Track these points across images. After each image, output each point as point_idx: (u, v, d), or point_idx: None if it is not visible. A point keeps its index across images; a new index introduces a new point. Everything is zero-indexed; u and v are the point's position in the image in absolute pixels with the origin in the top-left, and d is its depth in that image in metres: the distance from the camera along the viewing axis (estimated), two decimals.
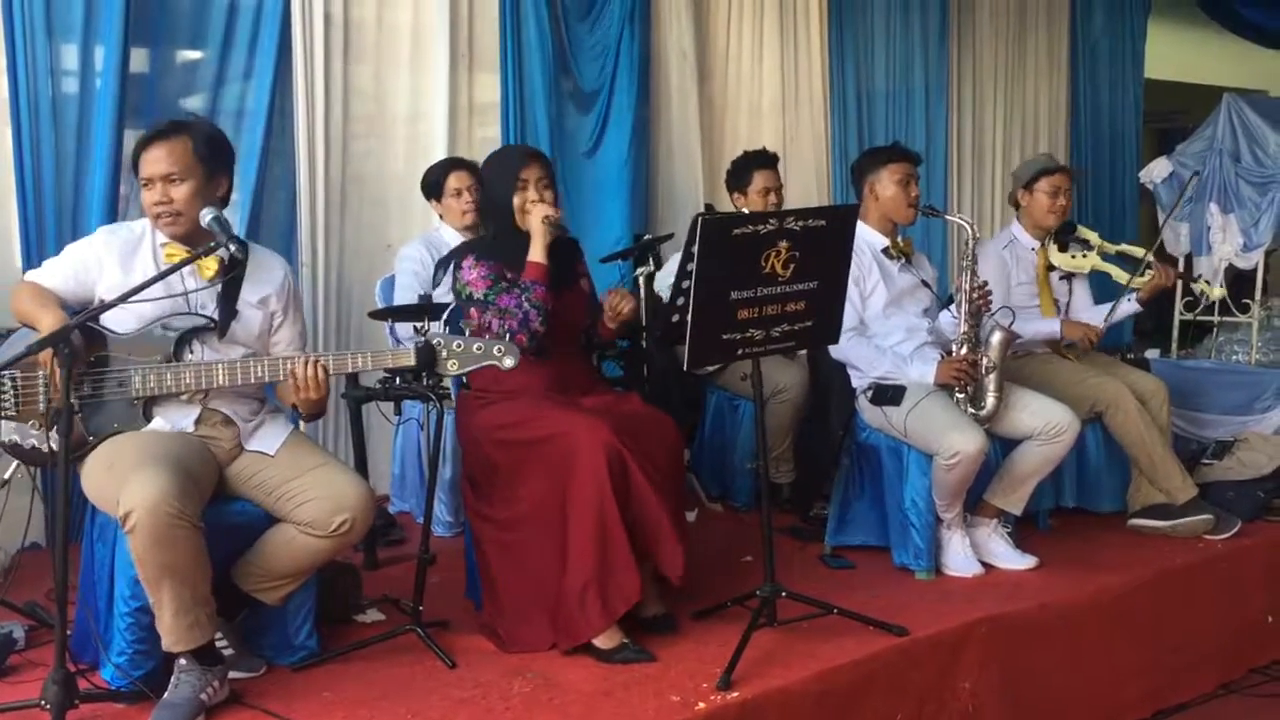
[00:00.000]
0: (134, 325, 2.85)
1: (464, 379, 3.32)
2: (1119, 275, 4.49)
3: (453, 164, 4.44)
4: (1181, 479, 4.26)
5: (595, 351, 3.50)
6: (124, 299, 2.68)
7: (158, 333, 2.86)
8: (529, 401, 3.23)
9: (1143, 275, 4.40)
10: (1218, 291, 5.48)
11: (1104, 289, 4.67)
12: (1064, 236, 4.56)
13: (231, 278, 2.91)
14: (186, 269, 2.87)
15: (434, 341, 2.87)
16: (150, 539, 2.57)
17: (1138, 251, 4.55)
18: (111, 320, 2.82)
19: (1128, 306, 4.50)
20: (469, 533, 3.43)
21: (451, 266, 3.32)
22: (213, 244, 2.81)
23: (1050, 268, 4.51)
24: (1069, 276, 4.55)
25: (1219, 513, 4.23)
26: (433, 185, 4.42)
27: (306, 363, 2.82)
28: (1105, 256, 4.53)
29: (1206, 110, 6.31)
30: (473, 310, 3.26)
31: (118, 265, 2.90)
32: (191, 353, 2.89)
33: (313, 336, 4.55)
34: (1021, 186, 4.55)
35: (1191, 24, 8.11)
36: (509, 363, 2.88)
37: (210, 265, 2.90)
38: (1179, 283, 5.20)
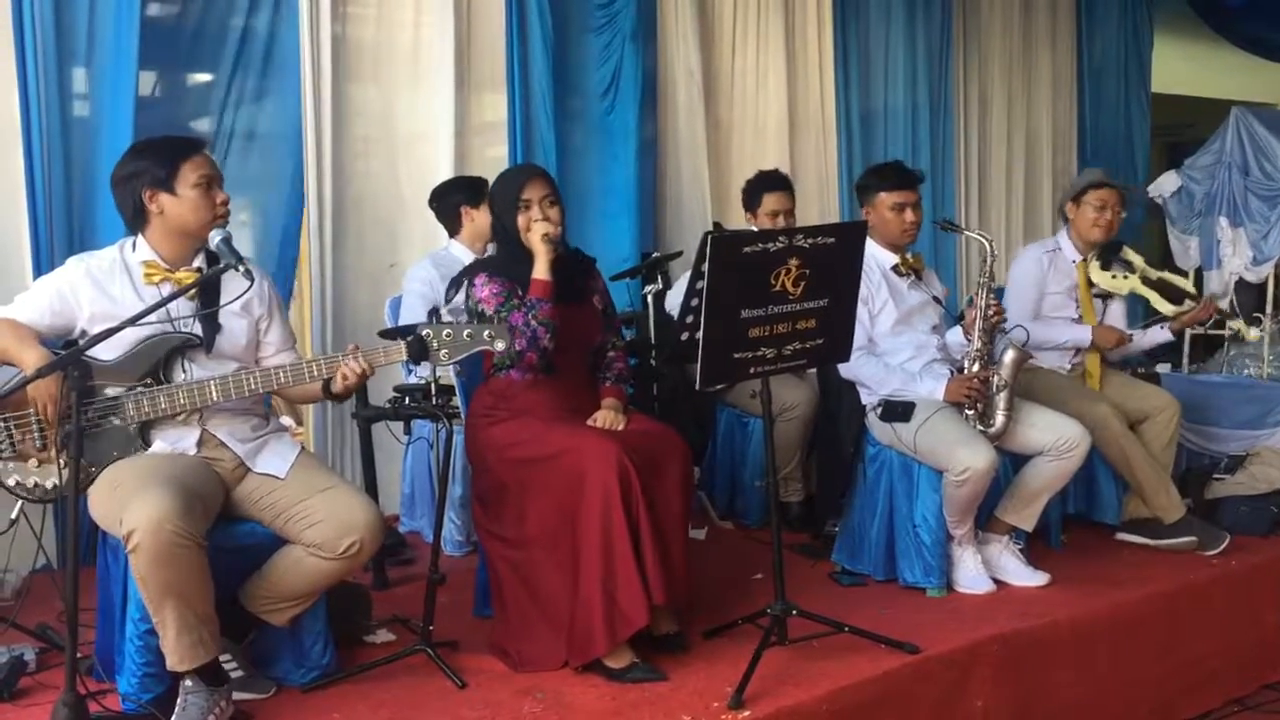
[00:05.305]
0: (116, 352, 2.84)
1: (457, 366, 3.28)
2: (1157, 302, 4.54)
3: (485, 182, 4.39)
4: (1170, 498, 4.25)
5: (603, 370, 3.49)
6: (132, 322, 2.68)
7: (143, 356, 2.85)
8: (537, 419, 3.23)
9: (1182, 306, 4.46)
10: (1254, 334, 5.48)
11: (1137, 313, 4.69)
12: (1108, 255, 4.58)
13: (209, 293, 2.93)
14: (166, 290, 2.86)
15: (423, 333, 2.88)
16: (152, 558, 2.58)
17: (1179, 280, 4.60)
18: (94, 349, 2.78)
19: (1159, 334, 4.60)
20: (482, 552, 3.42)
21: (465, 284, 3.34)
22: (222, 265, 2.82)
23: (1090, 284, 4.51)
24: (1106, 296, 4.57)
25: (1207, 531, 4.21)
26: (462, 201, 4.37)
27: (348, 363, 2.87)
28: (1146, 281, 4.55)
29: (1215, 124, 6.30)
30: None
31: (99, 293, 2.89)
32: (184, 372, 2.90)
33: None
34: (1070, 199, 4.58)
35: (1199, 38, 8.10)
36: (500, 345, 2.92)
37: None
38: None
